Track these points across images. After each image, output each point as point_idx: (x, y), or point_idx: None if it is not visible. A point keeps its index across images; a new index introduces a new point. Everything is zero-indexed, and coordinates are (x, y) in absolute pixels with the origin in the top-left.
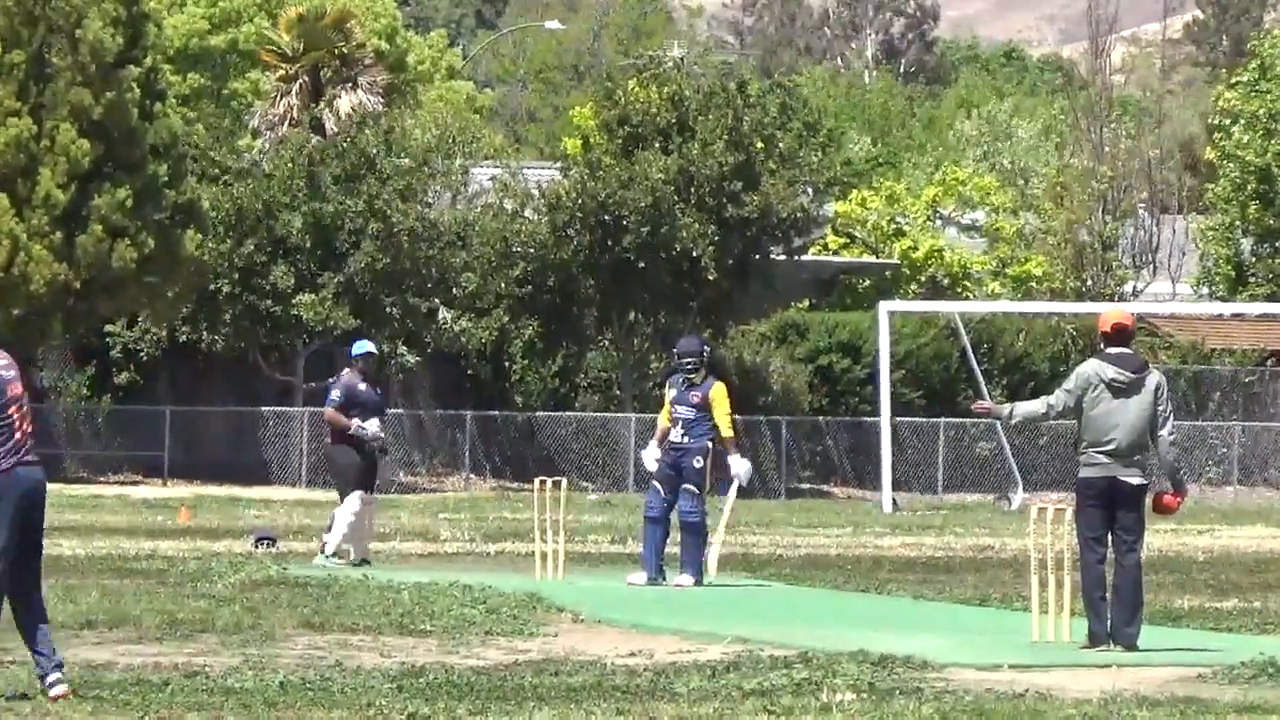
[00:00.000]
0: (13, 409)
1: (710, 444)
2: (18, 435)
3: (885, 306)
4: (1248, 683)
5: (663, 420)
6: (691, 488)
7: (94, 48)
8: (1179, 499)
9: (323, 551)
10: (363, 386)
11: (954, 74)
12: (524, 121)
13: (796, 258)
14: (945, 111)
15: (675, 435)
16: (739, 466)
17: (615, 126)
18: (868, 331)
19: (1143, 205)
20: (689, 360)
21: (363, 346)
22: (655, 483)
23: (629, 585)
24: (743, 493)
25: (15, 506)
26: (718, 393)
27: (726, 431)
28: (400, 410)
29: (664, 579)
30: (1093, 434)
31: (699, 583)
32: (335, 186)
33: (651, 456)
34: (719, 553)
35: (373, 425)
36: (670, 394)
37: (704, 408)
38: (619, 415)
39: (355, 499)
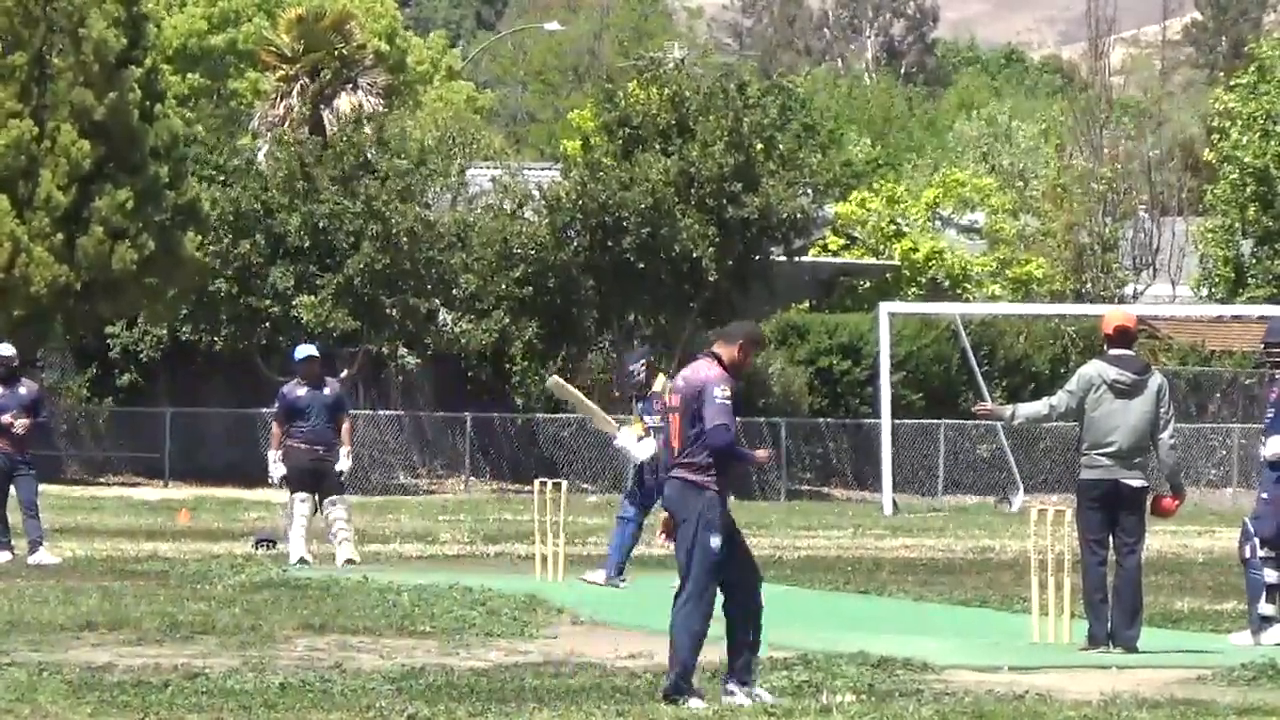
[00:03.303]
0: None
1: None
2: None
3: (885, 308)
4: (1248, 685)
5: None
6: None
7: (96, 48)
8: (1177, 502)
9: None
10: (301, 392)
11: (954, 75)
12: (524, 123)
13: (796, 259)
14: (945, 113)
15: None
16: (636, 445)
17: (615, 128)
18: (868, 333)
19: (1143, 207)
20: (630, 374)
21: (301, 351)
22: (636, 486)
23: (585, 582)
24: (743, 495)
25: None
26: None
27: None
28: (400, 412)
29: (623, 580)
30: (1094, 435)
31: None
32: (332, 187)
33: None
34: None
35: (276, 470)
36: (638, 407)
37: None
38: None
39: (293, 501)
